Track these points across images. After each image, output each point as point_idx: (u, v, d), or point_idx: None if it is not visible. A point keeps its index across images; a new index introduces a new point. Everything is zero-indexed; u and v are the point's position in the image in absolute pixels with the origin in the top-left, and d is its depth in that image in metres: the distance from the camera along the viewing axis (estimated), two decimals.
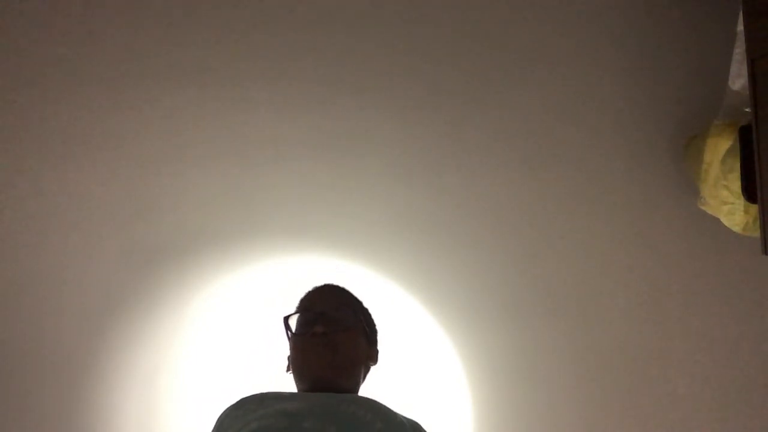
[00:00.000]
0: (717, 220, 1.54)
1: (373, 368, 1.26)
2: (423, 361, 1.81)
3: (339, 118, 1.73)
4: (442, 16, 1.70)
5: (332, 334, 1.12)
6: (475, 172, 1.76)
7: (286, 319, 1.19)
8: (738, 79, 1.38)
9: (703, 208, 1.58)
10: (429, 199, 1.76)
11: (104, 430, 1.78)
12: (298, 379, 1.15)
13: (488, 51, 1.72)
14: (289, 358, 1.21)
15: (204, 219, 1.77)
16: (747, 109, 1.34)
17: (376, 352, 1.25)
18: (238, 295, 1.84)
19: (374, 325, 1.27)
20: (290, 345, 1.18)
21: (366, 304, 1.27)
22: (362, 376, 1.19)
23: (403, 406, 1.72)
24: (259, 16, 1.69)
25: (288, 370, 1.21)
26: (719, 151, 1.46)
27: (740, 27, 1.32)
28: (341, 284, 1.26)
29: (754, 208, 1.40)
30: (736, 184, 1.43)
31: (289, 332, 1.19)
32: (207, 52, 1.70)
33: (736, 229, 1.49)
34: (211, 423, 1.15)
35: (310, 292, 1.25)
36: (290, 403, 1.02)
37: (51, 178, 1.73)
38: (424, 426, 1.07)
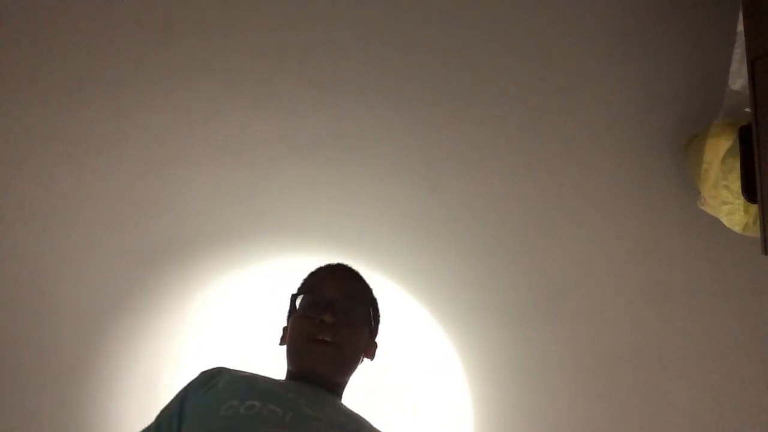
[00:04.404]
0: (717, 220, 1.54)
1: (369, 363, 1.22)
2: (423, 361, 1.81)
3: (339, 118, 1.73)
4: (443, 15, 1.70)
5: (339, 327, 1.07)
6: (475, 171, 1.76)
7: (294, 297, 1.14)
8: (738, 79, 1.38)
9: (703, 208, 1.58)
10: (429, 199, 1.76)
11: (104, 431, 1.78)
12: (291, 359, 1.11)
13: (489, 50, 1.72)
14: (285, 330, 1.17)
15: (204, 219, 1.77)
16: (747, 109, 1.34)
17: (375, 347, 1.22)
18: (239, 295, 1.84)
19: (379, 318, 1.23)
20: (292, 323, 1.13)
21: (374, 293, 1.23)
22: (354, 370, 1.17)
23: (403, 407, 1.72)
24: (260, 16, 1.70)
25: (282, 343, 1.16)
26: (719, 151, 1.46)
27: (740, 27, 1.32)
28: (354, 268, 1.20)
29: (754, 208, 1.40)
30: (736, 184, 1.43)
31: (294, 311, 1.14)
32: (207, 52, 1.70)
33: (736, 229, 1.49)
34: None
35: (322, 270, 1.19)
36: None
37: (51, 178, 1.73)
38: None
